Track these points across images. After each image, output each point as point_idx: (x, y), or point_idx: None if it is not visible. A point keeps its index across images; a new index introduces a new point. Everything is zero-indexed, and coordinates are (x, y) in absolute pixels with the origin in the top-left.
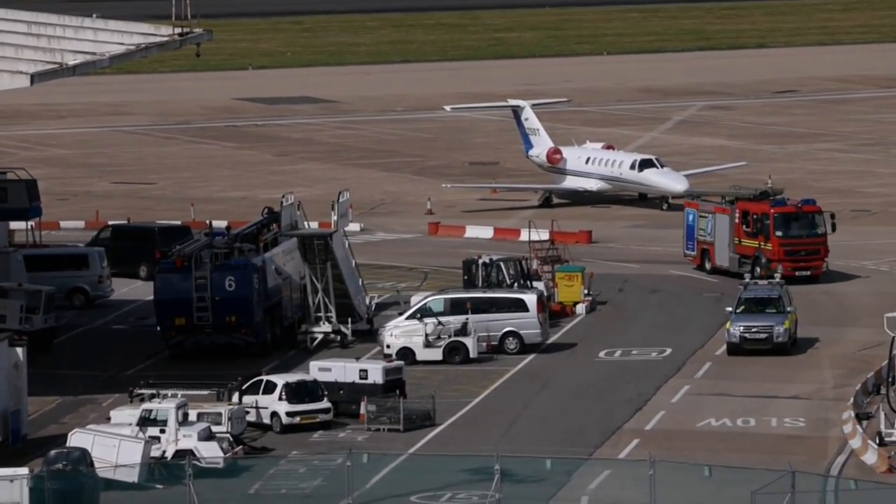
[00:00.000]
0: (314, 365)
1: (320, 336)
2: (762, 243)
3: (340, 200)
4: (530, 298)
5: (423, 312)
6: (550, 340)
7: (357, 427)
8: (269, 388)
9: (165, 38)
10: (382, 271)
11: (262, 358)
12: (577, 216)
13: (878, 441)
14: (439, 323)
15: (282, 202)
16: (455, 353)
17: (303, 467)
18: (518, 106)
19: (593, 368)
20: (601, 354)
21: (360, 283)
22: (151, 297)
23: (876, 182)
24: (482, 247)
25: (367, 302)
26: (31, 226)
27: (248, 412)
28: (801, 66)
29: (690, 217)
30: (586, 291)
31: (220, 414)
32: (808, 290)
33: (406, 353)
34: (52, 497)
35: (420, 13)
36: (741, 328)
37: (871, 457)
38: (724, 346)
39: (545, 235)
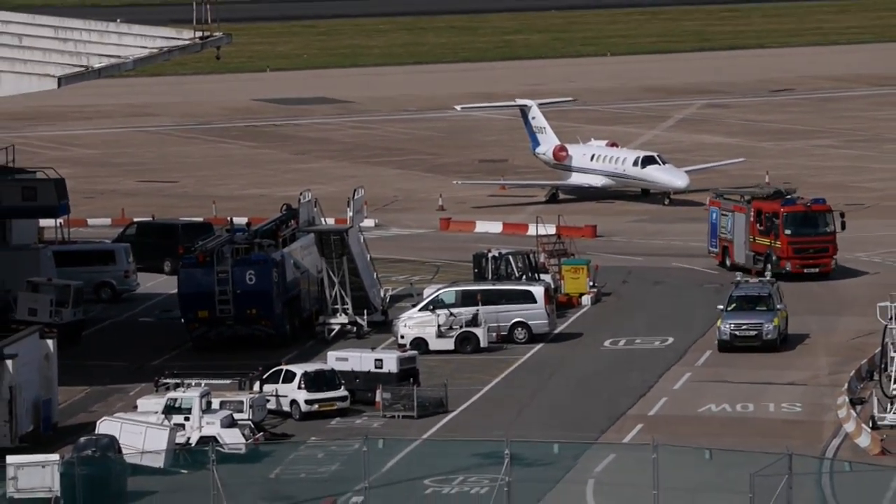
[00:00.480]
0: (332, 355)
1: (337, 327)
2: (773, 241)
3: (355, 197)
4: (538, 290)
5: (436, 304)
6: (557, 330)
7: (373, 414)
8: (289, 377)
9: (187, 42)
10: (396, 265)
11: (282, 348)
12: (583, 211)
13: (871, 425)
14: (451, 314)
15: (299, 199)
16: (466, 342)
17: (321, 453)
18: (525, 105)
19: (599, 357)
20: (606, 343)
21: (375, 276)
22: (175, 291)
23: (869, 177)
24: (492, 241)
25: (382, 294)
26: (60, 223)
27: (268, 400)
28: (797, 66)
29: (714, 215)
30: (592, 283)
31: (241, 402)
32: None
33: (419, 343)
34: (82, 482)
35: (430, 16)
36: (731, 325)
37: (864, 440)
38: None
39: (552, 230)
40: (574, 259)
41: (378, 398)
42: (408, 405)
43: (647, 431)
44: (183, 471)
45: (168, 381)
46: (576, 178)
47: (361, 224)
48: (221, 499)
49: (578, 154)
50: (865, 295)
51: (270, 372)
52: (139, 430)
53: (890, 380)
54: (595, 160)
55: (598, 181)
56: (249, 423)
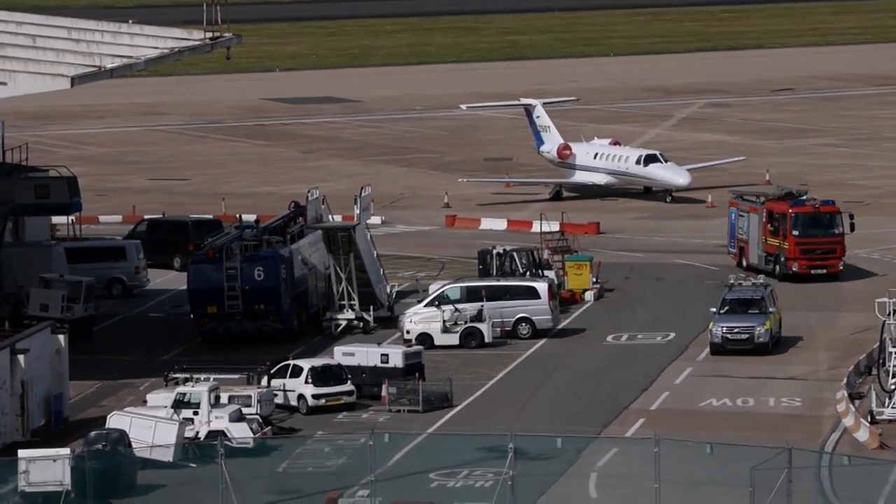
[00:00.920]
0: (338, 350)
1: (344, 323)
2: (781, 242)
3: (362, 195)
4: (542, 286)
5: (441, 300)
6: (561, 326)
7: (379, 408)
8: (296, 371)
9: (197, 42)
10: (402, 261)
11: (290, 343)
12: (586, 209)
13: (869, 419)
14: (456, 310)
15: (307, 197)
16: (471, 338)
17: (328, 446)
18: (530, 105)
19: (601, 352)
20: (608, 339)
21: (382, 272)
22: (185, 287)
23: (867, 175)
24: (496, 238)
25: (388, 290)
26: (72, 220)
27: (276, 395)
28: (797, 66)
29: (733, 216)
30: (594, 279)
31: (249, 396)
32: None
33: (425, 339)
34: (93, 476)
35: (436, 17)
36: (723, 329)
37: (863, 434)
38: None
39: (556, 227)
40: (577, 256)
41: (384, 393)
42: (413, 400)
43: (648, 426)
44: (192, 464)
45: (177, 375)
46: (579, 176)
47: (368, 221)
48: (230, 492)
49: (582, 152)
50: (864, 291)
51: (278, 367)
52: (149, 425)
53: (888, 375)
54: (598, 158)
55: (601, 179)
56: (257, 417)
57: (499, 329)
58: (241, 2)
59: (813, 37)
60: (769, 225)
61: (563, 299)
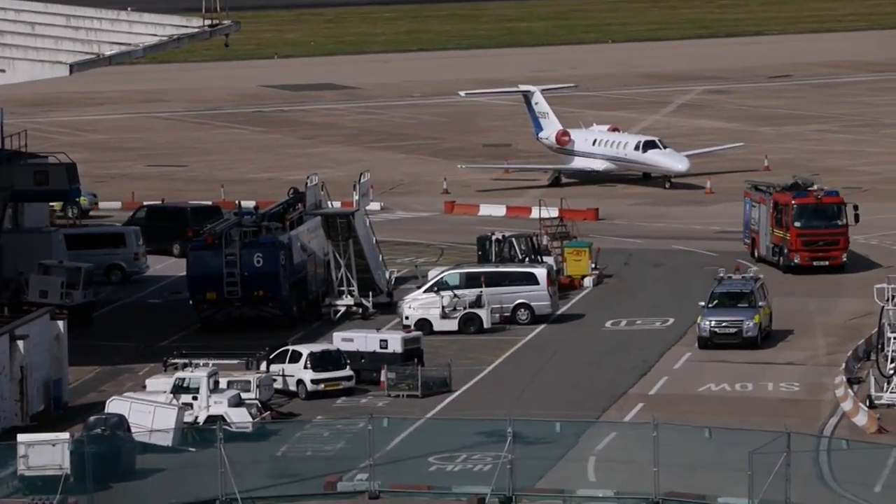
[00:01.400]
0: (337, 335)
1: (343, 308)
2: (785, 233)
3: (362, 181)
4: (540, 272)
5: (440, 286)
6: (559, 312)
7: (378, 393)
8: (295, 357)
9: (196, 30)
10: (401, 247)
11: (289, 329)
12: (585, 195)
13: (868, 404)
14: (455, 296)
15: (306, 183)
16: (470, 323)
17: (327, 431)
18: (528, 91)
19: (600, 337)
20: (607, 324)
21: (381, 258)
22: (184, 273)
23: (866, 161)
24: (495, 224)
25: (387, 276)
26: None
27: (275, 380)
28: (795, 53)
29: (747, 206)
30: (593, 265)
31: (248, 382)
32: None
33: (424, 324)
34: (92, 460)
35: (434, 4)
36: (712, 322)
37: (861, 419)
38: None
39: (555, 213)
40: (576, 242)
41: (383, 378)
42: (412, 385)
43: (647, 410)
44: (191, 449)
45: (176, 361)
46: (578, 163)
47: (367, 207)
48: (228, 476)
49: (581, 139)
50: (863, 277)
51: (277, 352)
52: (148, 410)
53: (887, 360)
54: (597, 145)
55: (600, 165)
56: (256, 402)
57: (498, 315)
58: None
59: (811, 23)
60: (774, 216)
61: (562, 285)
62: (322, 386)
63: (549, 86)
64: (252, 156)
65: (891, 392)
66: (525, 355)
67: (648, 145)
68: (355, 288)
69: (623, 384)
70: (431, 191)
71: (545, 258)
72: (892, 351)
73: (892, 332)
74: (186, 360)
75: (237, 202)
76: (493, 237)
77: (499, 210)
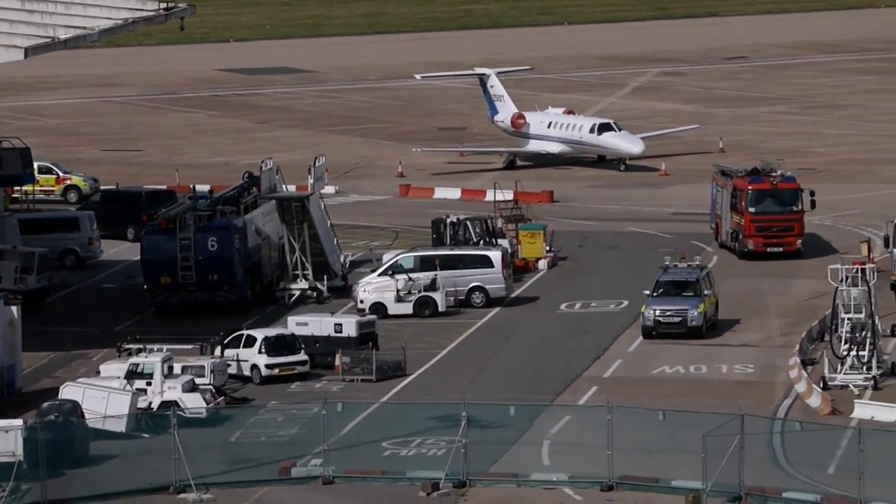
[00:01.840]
0: (292, 320)
1: (298, 292)
2: (740, 219)
3: (316, 165)
4: (495, 255)
5: (395, 269)
6: (514, 294)
7: (332, 378)
8: (250, 342)
9: (151, 13)
10: (356, 231)
11: (243, 314)
12: (540, 177)
13: (822, 385)
14: (410, 279)
15: (261, 167)
16: (425, 307)
17: (281, 416)
18: (484, 74)
19: (554, 320)
20: (562, 307)
21: (335, 242)
22: (138, 258)
23: (821, 142)
24: (450, 207)
25: (342, 260)
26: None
27: (229, 365)
28: (750, 34)
29: (714, 191)
30: (548, 248)
31: (203, 367)
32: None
33: (378, 308)
34: (45, 447)
35: None
36: (656, 311)
37: (815, 400)
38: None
39: (509, 196)
40: (531, 224)
41: (337, 362)
42: (367, 369)
43: (601, 393)
44: (145, 435)
45: (130, 346)
46: (533, 145)
47: (322, 191)
48: (183, 462)
49: (536, 121)
50: (817, 257)
51: (231, 337)
52: (102, 395)
53: (840, 341)
54: (552, 127)
55: (555, 148)
56: (210, 387)
57: (452, 298)
58: None
59: (767, 4)
60: (732, 201)
61: (517, 268)
62: (276, 371)
63: (505, 69)
64: (207, 140)
65: (844, 373)
66: (480, 339)
67: (603, 128)
68: (310, 272)
69: (577, 367)
70: (387, 174)
71: (500, 241)
72: (846, 332)
73: (845, 314)
74: (140, 346)
75: (192, 186)
76: (448, 220)
77: (454, 193)
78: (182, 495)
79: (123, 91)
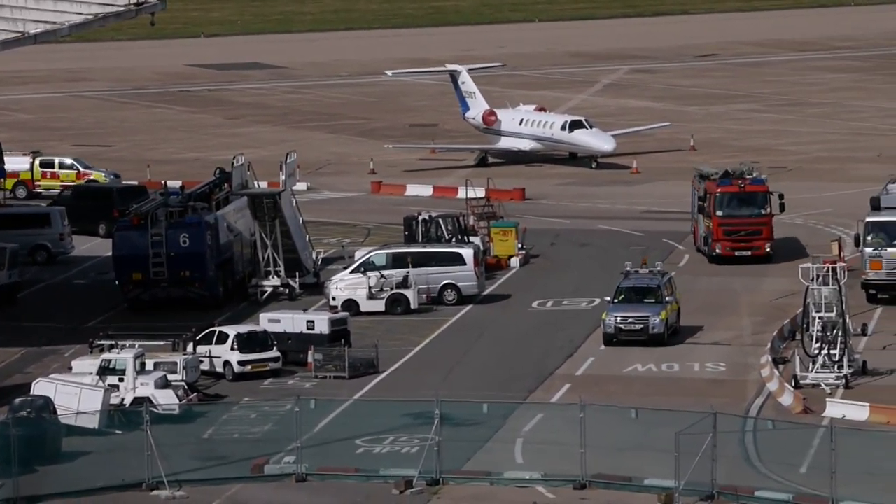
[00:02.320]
0: (264, 316)
1: (270, 289)
2: (709, 222)
3: (288, 161)
4: (467, 253)
5: (367, 266)
6: (486, 292)
7: (305, 375)
8: (222, 338)
9: (122, 8)
10: (328, 228)
11: (215, 310)
12: (512, 174)
13: (793, 384)
14: (382, 276)
15: (233, 163)
16: (397, 304)
17: (254, 413)
18: (455, 71)
19: (527, 318)
20: (534, 305)
21: (307, 239)
22: (110, 254)
23: (792, 140)
24: (422, 204)
25: (314, 257)
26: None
27: (201, 361)
28: (721, 32)
29: (693, 195)
30: (520, 245)
31: (175, 363)
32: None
33: (351, 305)
34: (17, 443)
35: None
36: (617, 318)
37: (787, 399)
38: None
39: (481, 193)
40: (503, 222)
41: (310, 359)
42: (339, 366)
43: (574, 391)
44: (117, 431)
45: (102, 342)
46: (505, 142)
47: (294, 187)
48: (155, 459)
49: (507, 118)
50: (787, 255)
51: (204, 333)
52: (74, 392)
53: (812, 339)
54: (524, 124)
55: (526, 145)
56: (183, 383)
57: (424, 295)
58: None
59: (737, 2)
60: (700, 203)
61: (489, 265)
62: (249, 367)
63: (476, 65)
64: (178, 135)
65: (816, 372)
66: (452, 336)
67: (575, 125)
68: (282, 268)
69: (550, 365)
70: (358, 171)
71: (472, 238)
72: (817, 331)
73: (816, 313)
74: (113, 342)
75: (163, 182)
76: (420, 217)
77: (425, 190)
78: (155, 492)
79: (94, 86)
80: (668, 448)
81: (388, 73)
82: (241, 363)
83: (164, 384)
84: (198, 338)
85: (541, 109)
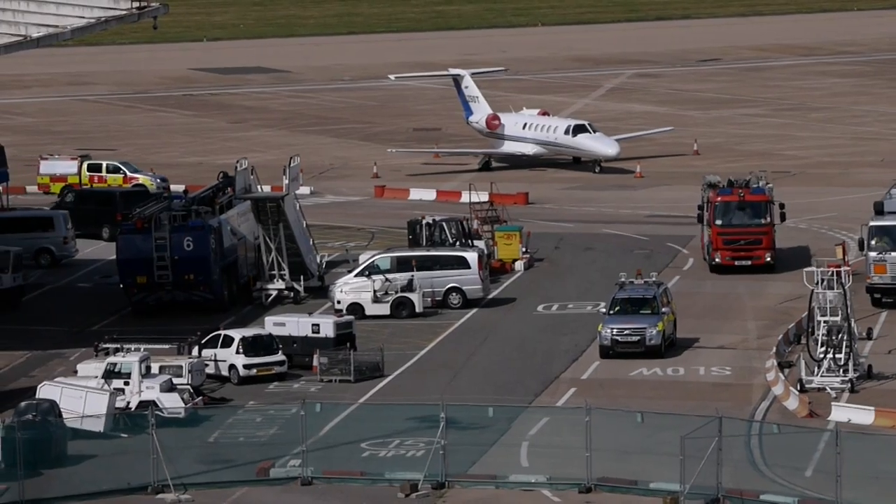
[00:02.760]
0: (269, 320)
1: (274, 293)
2: (710, 232)
3: (291, 165)
4: (472, 256)
5: (372, 270)
6: (491, 296)
7: (310, 378)
8: (227, 342)
9: (124, 12)
10: (332, 231)
11: (220, 313)
12: (515, 179)
13: (798, 388)
14: (386, 280)
15: (236, 167)
16: (402, 307)
17: (259, 416)
18: (458, 75)
19: (532, 322)
20: (539, 308)
21: (311, 242)
22: (114, 257)
23: (794, 145)
24: (426, 208)
25: (318, 260)
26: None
27: (207, 365)
28: (724, 36)
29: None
30: (524, 249)
31: (180, 367)
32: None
33: (356, 309)
34: (23, 446)
35: None
36: (613, 330)
37: (792, 402)
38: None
39: (485, 197)
40: (507, 226)
41: (315, 363)
42: (345, 369)
43: (579, 395)
44: (123, 435)
45: (108, 346)
46: (508, 147)
47: (297, 191)
48: (161, 462)
49: (511, 123)
50: (792, 260)
51: (209, 337)
52: (79, 395)
53: (817, 343)
54: (527, 129)
55: (530, 149)
56: (188, 387)
57: (429, 299)
58: None
59: (740, 7)
60: (700, 213)
61: (494, 269)
62: (254, 371)
63: (479, 69)
64: (181, 139)
65: (821, 376)
66: (457, 340)
67: (578, 129)
68: (286, 272)
69: (555, 369)
70: (361, 175)
71: (476, 242)
72: (822, 335)
73: (822, 316)
74: (118, 345)
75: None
76: (424, 221)
77: (429, 194)
78: (160, 495)
79: (97, 90)
80: (673, 452)
81: (391, 77)
82: (246, 367)
83: (169, 388)
84: (203, 341)
85: (544, 114)
